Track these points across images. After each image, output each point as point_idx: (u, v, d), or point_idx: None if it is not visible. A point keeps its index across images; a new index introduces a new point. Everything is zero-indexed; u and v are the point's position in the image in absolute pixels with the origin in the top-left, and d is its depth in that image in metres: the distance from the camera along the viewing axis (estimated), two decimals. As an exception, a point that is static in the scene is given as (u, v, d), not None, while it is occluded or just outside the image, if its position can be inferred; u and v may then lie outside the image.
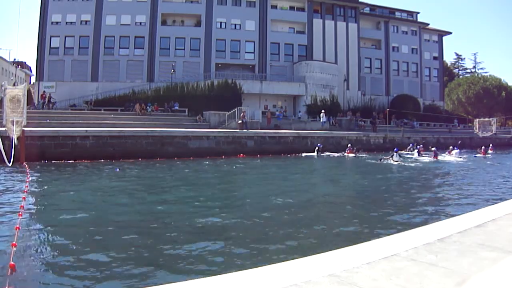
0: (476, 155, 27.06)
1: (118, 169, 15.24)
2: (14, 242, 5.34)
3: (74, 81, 34.64)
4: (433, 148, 24.08)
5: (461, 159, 23.16)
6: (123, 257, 5.36)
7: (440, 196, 11.14)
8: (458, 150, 24.97)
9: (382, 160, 20.97)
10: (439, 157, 22.88)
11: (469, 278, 2.65)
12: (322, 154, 24.46)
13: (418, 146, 26.38)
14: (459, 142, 31.47)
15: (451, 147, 25.69)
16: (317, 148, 24.66)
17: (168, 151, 20.47)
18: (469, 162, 22.31)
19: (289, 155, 24.12)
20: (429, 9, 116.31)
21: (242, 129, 25.42)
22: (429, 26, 49.57)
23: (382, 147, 29.11)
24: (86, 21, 35.43)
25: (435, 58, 49.85)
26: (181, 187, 12.16)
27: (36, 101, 32.96)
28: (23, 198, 9.02)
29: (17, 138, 16.03)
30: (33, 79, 46.68)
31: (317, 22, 40.61)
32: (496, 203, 6.96)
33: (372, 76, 45.02)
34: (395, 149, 21.84)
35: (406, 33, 47.35)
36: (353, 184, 13.87)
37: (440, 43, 50.56)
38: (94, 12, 35.33)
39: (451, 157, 23.66)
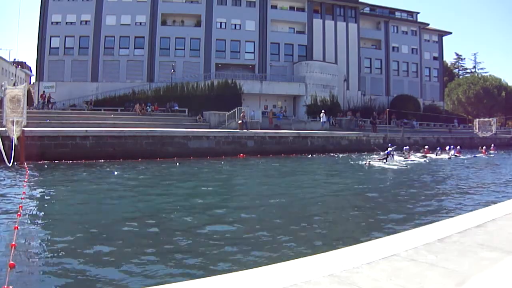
0: (477, 155, 27.07)
1: (115, 172, 14.95)
2: (13, 242, 5.34)
3: (74, 81, 34.59)
4: (381, 153, 21.70)
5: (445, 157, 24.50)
6: (123, 257, 5.35)
7: (440, 196, 11.13)
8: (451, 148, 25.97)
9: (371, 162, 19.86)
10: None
11: (469, 278, 2.65)
12: (408, 157, 19.45)
13: (423, 148, 26.39)
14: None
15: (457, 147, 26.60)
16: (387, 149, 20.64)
17: (168, 151, 20.45)
18: (468, 162, 22.31)
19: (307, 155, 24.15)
20: (429, 9, 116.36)
21: (242, 129, 25.42)
22: (429, 26, 49.54)
23: (382, 147, 29.05)
24: (86, 21, 35.40)
25: (435, 58, 49.81)
26: (180, 187, 12.15)
27: (36, 101, 32.96)
28: (22, 198, 9.02)
29: (17, 138, 16.00)
30: (33, 79, 46.70)
31: (317, 22, 40.58)
32: (496, 203, 6.95)
33: (372, 76, 45.01)
34: (387, 151, 20.59)
35: (406, 33, 47.34)
36: (352, 184, 13.85)
37: (440, 43, 50.53)
38: (94, 12, 35.31)
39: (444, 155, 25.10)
